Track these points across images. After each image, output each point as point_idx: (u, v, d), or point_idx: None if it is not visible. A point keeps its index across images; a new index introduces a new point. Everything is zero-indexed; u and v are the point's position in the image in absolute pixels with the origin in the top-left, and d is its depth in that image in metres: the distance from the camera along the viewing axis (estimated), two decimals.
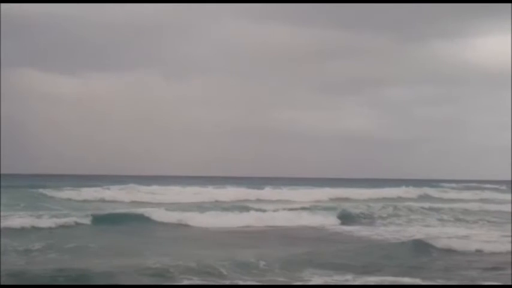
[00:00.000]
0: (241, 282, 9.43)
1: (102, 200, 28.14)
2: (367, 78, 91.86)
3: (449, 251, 13.52)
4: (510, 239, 15.48)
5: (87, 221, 18.18)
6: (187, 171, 76.74)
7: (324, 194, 35.48)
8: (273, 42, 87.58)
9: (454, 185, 55.77)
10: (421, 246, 13.85)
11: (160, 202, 26.54)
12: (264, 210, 22.81)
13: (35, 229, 16.20)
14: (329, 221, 20.77)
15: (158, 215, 20.09)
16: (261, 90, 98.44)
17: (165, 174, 73.42)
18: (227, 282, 9.43)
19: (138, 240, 15.33)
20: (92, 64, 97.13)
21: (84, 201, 27.32)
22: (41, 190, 29.02)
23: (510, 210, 26.02)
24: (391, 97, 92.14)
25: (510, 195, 42.31)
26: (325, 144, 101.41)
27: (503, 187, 54.62)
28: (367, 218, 22.37)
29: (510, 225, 20.50)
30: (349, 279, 9.82)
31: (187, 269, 9.98)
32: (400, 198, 34.16)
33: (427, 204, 27.13)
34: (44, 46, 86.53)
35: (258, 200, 30.05)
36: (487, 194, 42.79)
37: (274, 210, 22.73)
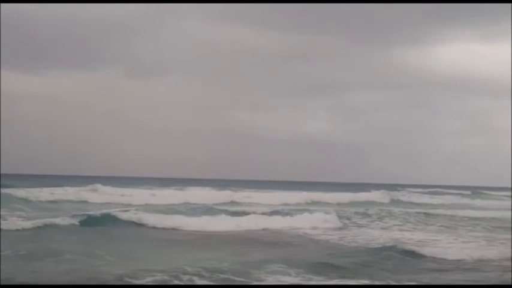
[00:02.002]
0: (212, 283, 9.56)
1: (68, 201, 27.65)
2: (333, 82, 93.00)
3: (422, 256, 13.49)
4: (469, 244, 15.89)
5: (56, 221, 17.85)
6: (149, 173, 76.51)
7: (294, 197, 35.69)
8: (237, 44, 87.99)
9: (420, 189, 56.67)
10: (384, 250, 14.05)
11: (130, 203, 26.32)
12: (232, 213, 22.84)
13: None
14: (298, 224, 20.80)
15: (128, 216, 19.88)
16: (225, 92, 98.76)
17: (128, 175, 72.90)
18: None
19: (107, 241, 15.16)
20: (51, 62, 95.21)
21: (49, 201, 26.75)
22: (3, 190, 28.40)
23: (475, 215, 26.77)
24: (355, 102, 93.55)
25: (473, 200, 43.92)
26: (292, 148, 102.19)
27: (468, 192, 56.05)
28: (338, 221, 22.36)
29: (467, 230, 21.10)
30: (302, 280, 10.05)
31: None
32: (371, 203, 34.30)
33: (398, 209, 27.32)
34: (6, 44, 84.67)
35: (224, 203, 29.79)
36: (453, 199, 43.92)
37: (243, 213, 22.75)
